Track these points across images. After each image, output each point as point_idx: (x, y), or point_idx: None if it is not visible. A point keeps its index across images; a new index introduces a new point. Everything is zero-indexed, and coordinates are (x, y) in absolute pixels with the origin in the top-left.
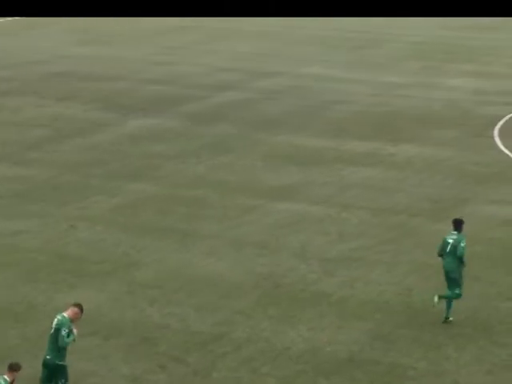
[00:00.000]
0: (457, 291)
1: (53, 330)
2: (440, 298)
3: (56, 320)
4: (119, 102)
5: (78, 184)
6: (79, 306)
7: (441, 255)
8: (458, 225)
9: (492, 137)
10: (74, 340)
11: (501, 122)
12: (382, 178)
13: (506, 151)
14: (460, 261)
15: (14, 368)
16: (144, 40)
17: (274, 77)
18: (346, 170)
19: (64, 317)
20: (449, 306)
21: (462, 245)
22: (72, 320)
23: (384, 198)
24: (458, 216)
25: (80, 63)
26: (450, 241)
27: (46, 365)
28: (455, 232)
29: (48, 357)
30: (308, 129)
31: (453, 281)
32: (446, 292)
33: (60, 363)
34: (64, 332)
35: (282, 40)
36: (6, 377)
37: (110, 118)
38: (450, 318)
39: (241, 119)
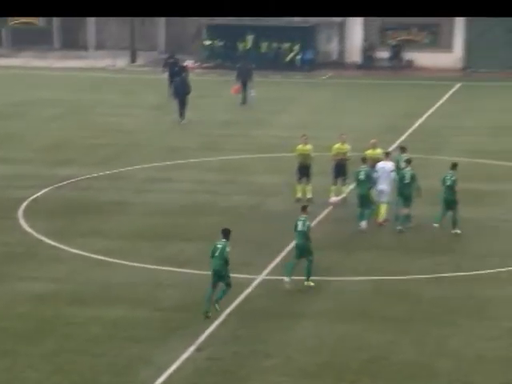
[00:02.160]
0: (227, 281)
1: None
2: (217, 301)
3: None
4: None
5: None
6: None
7: (212, 257)
8: (226, 234)
9: (17, 218)
10: None
11: (24, 204)
12: None
13: (31, 231)
14: (225, 262)
15: None
16: None
17: None
18: None
19: None
20: (219, 298)
21: (227, 249)
22: None
23: None
24: None
25: None
26: (219, 246)
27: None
28: (224, 240)
29: None
30: None
31: (222, 278)
32: (215, 295)
33: None
34: None
35: None
36: None
37: None
38: (216, 308)
39: None
